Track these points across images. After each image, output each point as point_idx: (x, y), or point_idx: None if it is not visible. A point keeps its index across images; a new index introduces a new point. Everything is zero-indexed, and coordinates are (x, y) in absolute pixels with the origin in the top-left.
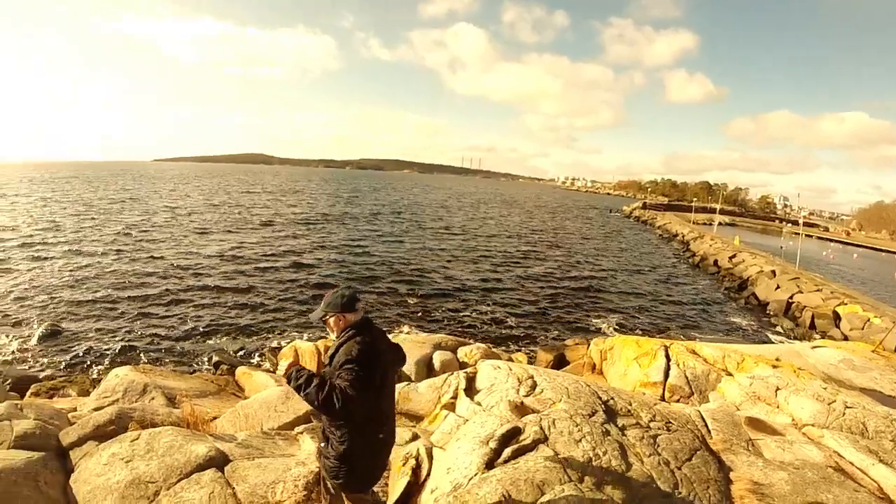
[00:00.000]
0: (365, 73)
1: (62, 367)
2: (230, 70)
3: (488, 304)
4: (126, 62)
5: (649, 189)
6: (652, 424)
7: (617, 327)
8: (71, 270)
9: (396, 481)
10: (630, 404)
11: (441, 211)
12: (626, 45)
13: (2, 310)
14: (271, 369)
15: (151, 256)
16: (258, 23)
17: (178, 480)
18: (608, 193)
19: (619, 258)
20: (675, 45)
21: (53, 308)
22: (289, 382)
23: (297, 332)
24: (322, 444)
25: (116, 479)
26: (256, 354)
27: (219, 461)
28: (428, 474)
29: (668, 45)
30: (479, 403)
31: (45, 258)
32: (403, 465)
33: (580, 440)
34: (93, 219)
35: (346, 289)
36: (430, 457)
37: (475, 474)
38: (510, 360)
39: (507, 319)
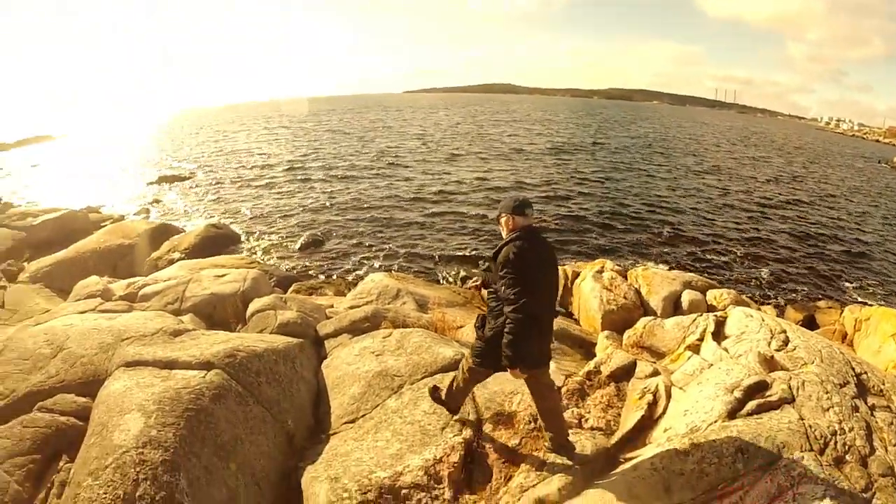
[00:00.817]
0: None
1: (321, 271)
2: (472, 5)
3: (738, 250)
4: (373, 5)
5: None
6: None
7: (880, 299)
8: (330, 191)
9: (630, 413)
10: (883, 384)
11: (694, 146)
12: None
13: (271, 223)
14: None
15: (405, 179)
16: None
17: (423, 377)
18: (877, 140)
19: (890, 220)
20: None
21: (315, 222)
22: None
23: (565, 254)
24: (477, 326)
25: (365, 368)
26: None
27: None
28: (663, 412)
29: None
30: (725, 349)
31: (307, 180)
32: (640, 398)
33: (828, 409)
34: (349, 146)
35: (520, 195)
36: (668, 395)
37: (715, 421)
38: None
39: (757, 269)
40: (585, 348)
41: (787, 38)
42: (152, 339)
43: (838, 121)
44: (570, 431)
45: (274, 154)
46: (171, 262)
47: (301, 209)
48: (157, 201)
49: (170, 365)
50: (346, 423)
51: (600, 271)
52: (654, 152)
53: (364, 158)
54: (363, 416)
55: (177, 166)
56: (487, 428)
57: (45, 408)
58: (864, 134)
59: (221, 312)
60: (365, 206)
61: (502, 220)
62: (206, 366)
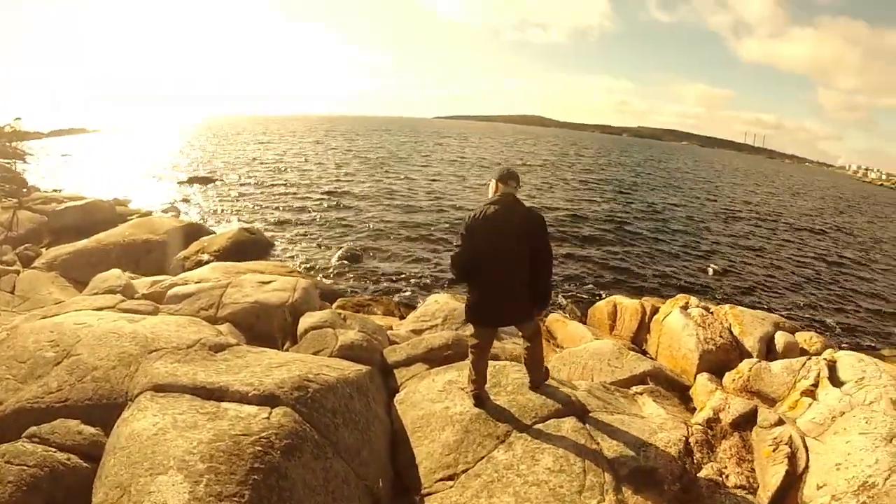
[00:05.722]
0: (642, 35)
1: (362, 288)
2: (508, 36)
3: (805, 298)
4: (409, 28)
5: None
6: None
7: None
8: (363, 210)
9: (768, 468)
10: None
11: (737, 190)
12: None
13: (304, 234)
14: (580, 320)
15: (440, 208)
16: None
17: (533, 423)
18: None
19: None
20: None
21: (350, 238)
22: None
23: (616, 289)
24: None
25: (458, 409)
26: (567, 302)
27: (577, 409)
28: (806, 466)
29: None
30: (849, 396)
31: (340, 196)
32: (774, 450)
33: None
34: (378, 166)
35: (510, 167)
36: (805, 447)
37: (889, 475)
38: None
39: (826, 319)
40: (679, 391)
41: (819, 85)
42: (188, 355)
43: (867, 170)
44: (715, 490)
45: (305, 169)
46: (200, 263)
47: (334, 224)
48: (187, 200)
49: (218, 395)
50: (441, 479)
51: (685, 307)
52: (687, 194)
53: (396, 182)
54: (464, 471)
55: (208, 169)
56: (627, 490)
57: (39, 436)
58: (893, 184)
59: (265, 325)
60: (401, 226)
61: (490, 185)
62: (270, 400)
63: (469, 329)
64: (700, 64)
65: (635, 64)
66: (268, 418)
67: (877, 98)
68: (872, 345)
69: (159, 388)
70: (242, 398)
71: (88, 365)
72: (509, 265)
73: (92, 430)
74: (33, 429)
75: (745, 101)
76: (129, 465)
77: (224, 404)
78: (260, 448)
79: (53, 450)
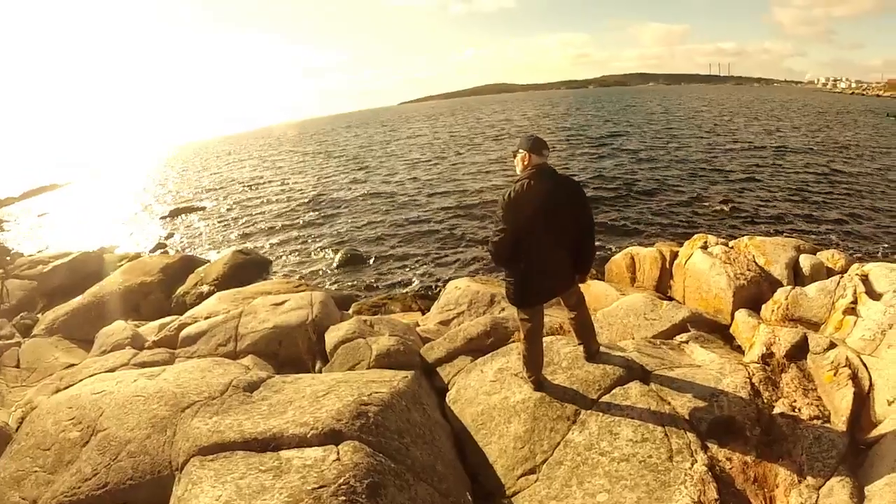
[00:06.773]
0: None
1: (374, 287)
2: (454, 9)
3: (810, 219)
4: (361, 21)
5: None
6: None
7: None
8: (350, 211)
9: (834, 393)
10: None
11: (715, 122)
12: None
13: (298, 245)
14: (597, 278)
15: (427, 195)
16: None
17: (600, 397)
18: (877, 95)
19: None
20: None
21: (346, 241)
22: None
23: (625, 242)
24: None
25: (519, 397)
26: None
27: (638, 372)
28: (871, 385)
29: None
30: (892, 307)
31: (322, 202)
32: (835, 374)
33: None
34: (353, 165)
35: (537, 134)
36: (864, 365)
37: None
38: None
39: (833, 236)
40: (719, 332)
41: (774, 4)
42: (224, 403)
43: (836, 80)
44: (795, 426)
45: (283, 180)
46: (201, 295)
47: (325, 230)
48: (173, 235)
49: (274, 444)
50: (522, 475)
51: (705, 246)
52: (666, 131)
53: (375, 176)
54: (544, 461)
55: (187, 199)
56: (713, 444)
57: None
58: (864, 90)
59: (290, 349)
60: (393, 220)
61: (518, 157)
62: (332, 437)
63: (498, 310)
64: (650, 3)
65: (587, 14)
66: (338, 459)
67: (831, 8)
68: (890, 253)
69: (206, 451)
70: (301, 441)
71: (120, 439)
72: (555, 239)
73: None
74: None
75: (702, 32)
76: None
77: (283, 453)
78: (344, 498)
79: None
